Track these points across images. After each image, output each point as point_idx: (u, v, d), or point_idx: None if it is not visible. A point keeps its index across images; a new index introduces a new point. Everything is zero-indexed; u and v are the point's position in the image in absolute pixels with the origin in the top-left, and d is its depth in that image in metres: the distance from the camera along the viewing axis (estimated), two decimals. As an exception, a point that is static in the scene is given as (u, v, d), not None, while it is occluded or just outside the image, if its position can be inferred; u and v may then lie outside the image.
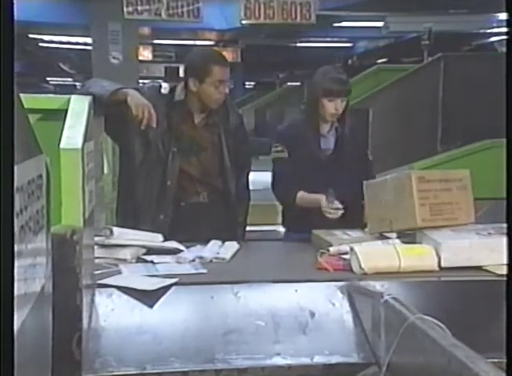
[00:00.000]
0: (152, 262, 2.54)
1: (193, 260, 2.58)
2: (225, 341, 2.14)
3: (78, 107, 2.08)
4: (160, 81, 5.84)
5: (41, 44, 14.38)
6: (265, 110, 11.97)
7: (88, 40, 10.87)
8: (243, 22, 9.95)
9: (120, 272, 2.40)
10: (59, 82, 23.80)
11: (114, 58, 9.90)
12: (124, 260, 2.55)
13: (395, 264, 2.38)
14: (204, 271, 2.45)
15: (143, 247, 2.68)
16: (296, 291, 2.29)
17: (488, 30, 11.78)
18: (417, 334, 1.72)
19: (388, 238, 2.73)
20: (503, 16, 9.28)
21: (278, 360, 2.11)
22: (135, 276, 2.35)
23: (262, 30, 12.10)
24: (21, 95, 1.08)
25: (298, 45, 15.32)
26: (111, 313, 2.16)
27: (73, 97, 2.16)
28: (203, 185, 3.19)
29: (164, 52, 15.21)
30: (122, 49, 9.94)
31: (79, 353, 1.73)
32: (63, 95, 2.23)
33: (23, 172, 1.06)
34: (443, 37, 9.88)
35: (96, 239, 2.49)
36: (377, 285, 2.27)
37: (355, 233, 2.89)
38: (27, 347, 1.11)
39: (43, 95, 2.64)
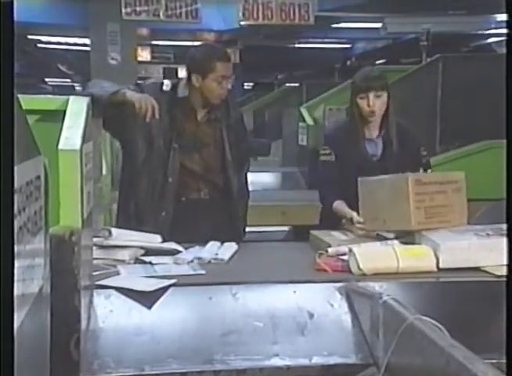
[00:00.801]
0: (150, 263, 2.54)
1: (192, 261, 2.57)
2: (223, 342, 2.13)
3: (77, 108, 2.08)
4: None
5: (39, 45, 14.34)
6: (263, 110, 11.92)
7: (87, 41, 10.86)
8: (242, 23, 9.93)
9: (118, 274, 2.40)
10: (58, 83, 23.76)
11: (113, 59, 9.90)
12: (123, 261, 2.55)
13: (394, 265, 2.38)
14: (203, 272, 2.45)
15: (141, 248, 2.67)
16: (294, 291, 2.29)
17: (487, 32, 11.78)
18: (416, 334, 1.72)
19: (387, 239, 2.73)
20: (502, 17, 9.31)
21: (276, 361, 2.11)
22: (134, 277, 2.35)
23: (261, 31, 12.08)
24: (19, 96, 1.07)
25: (297, 46, 15.29)
26: (109, 314, 2.16)
27: (72, 98, 2.15)
28: (205, 181, 3.19)
29: (163, 53, 15.18)
30: (120, 50, 9.95)
31: (77, 354, 1.73)
32: (61, 96, 2.22)
33: (21, 173, 1.06)
34: (441, 39, 9.89)
35: (95, 240, 2.49)
36: (376, 286, 2.27)
37: (353, 234, 2.90)
38: (25, 348, 1.11)
39: (41, 96, 2.62)
